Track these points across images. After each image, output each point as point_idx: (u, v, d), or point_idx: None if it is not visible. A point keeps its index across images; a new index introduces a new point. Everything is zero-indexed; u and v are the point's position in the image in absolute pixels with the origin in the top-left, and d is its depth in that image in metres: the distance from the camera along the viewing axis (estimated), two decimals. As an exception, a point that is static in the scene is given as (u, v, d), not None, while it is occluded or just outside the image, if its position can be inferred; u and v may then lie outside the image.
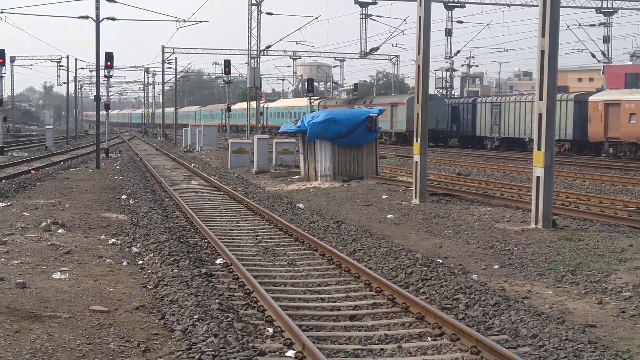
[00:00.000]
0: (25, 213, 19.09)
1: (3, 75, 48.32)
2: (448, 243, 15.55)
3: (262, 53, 64.18)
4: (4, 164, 38.23)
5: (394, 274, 12.59)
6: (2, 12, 47.67)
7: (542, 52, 16.48)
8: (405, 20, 67.01)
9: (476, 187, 26.64)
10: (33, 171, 33.37)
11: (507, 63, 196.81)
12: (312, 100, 66.81)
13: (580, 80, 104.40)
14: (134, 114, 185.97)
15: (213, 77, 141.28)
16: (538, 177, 16.70)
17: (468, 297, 10.70)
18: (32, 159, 44.34)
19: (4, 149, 47.48)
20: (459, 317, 9.93)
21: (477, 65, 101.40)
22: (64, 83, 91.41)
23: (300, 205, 21.92)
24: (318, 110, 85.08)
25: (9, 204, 21.21)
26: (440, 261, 13.49)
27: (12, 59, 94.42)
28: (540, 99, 16.62)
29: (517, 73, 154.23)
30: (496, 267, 13.18)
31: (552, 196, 17.03)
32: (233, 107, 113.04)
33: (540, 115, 16.62)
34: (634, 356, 8.44)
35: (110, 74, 43.11)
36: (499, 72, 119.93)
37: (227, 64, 57.86)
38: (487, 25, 73.19)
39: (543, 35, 16.49)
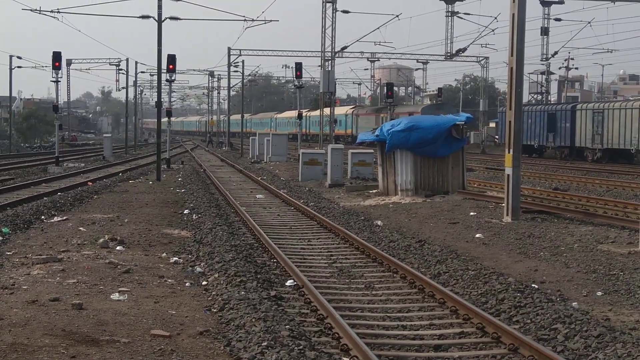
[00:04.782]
0: (81, 228, 19.44)
1: (59, 79, 49.09)
2: (544, 266, 15.35)
3: (336, 55, 64.46)
4: (60, 175, 39.07)
5: (484, 300, 12.49)
6: (58, 12, 48.58)
7: (652, 53, 16.18)
8: (496, 18, 66.70)
9: (576, 204, 26.26)
10: (90, 183, 34.02)
11: (611, 65, 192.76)
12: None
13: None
14: (185, 121, 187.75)
15: (283, 81, 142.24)
16: (647, 193, 16.38)
17: (568, 327, 10.55)
18: (88, 170, 45.23)
19: (60, 159, 48.42)
20: (557, 349, 9.80)
21: (576, 68, 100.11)
22: (123, 88, 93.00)
23: (379, 223, 21.88)
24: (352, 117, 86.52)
25: (64, 218, 21.65)
26: (536, 286, 13.31)
27: (69, 62, 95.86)
28: (650, 105, 16.30)
29: (622, 76, 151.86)
30: (599, 293, 12.96)
31: (662, 215, 16.71)
32: (284, 115, 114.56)
33: (649, 124, 16.31)
34: None
35: (173, 78, 43.65)
36: (602, 76, 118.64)
37: (299, 66, 58.09)
38: (589, 23, 72.12)
39: (653, 34, 16.18)
